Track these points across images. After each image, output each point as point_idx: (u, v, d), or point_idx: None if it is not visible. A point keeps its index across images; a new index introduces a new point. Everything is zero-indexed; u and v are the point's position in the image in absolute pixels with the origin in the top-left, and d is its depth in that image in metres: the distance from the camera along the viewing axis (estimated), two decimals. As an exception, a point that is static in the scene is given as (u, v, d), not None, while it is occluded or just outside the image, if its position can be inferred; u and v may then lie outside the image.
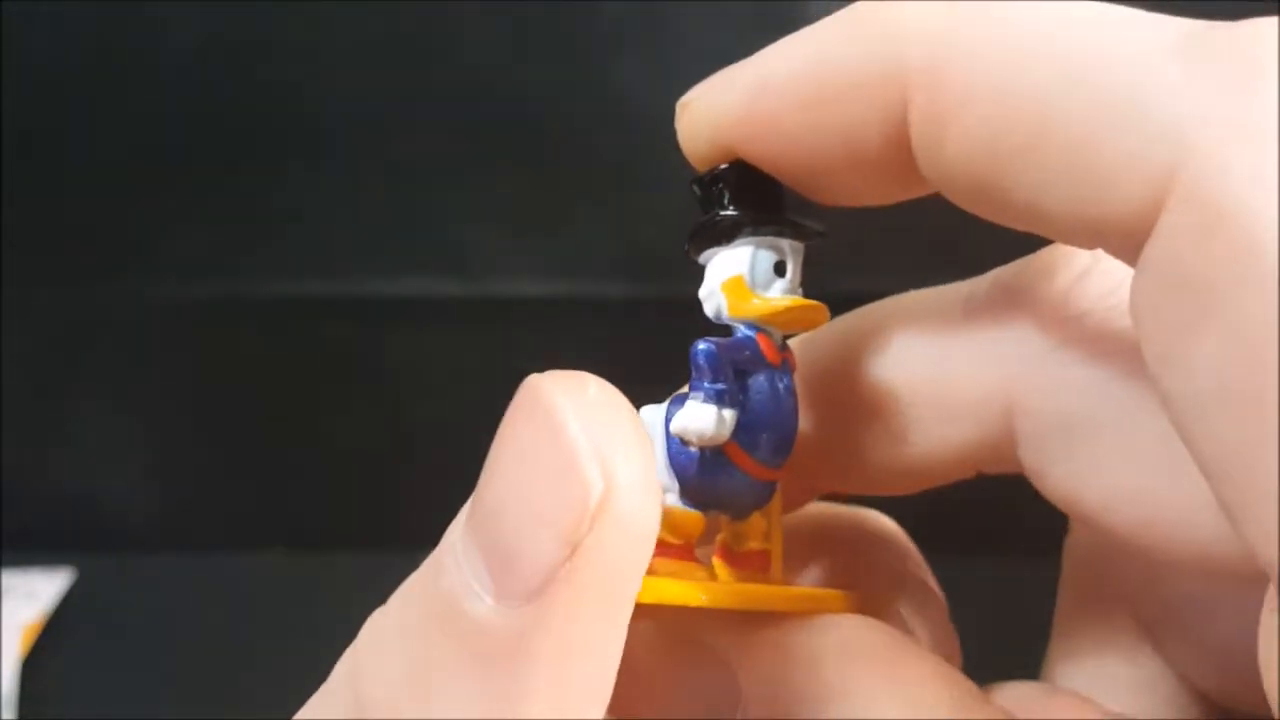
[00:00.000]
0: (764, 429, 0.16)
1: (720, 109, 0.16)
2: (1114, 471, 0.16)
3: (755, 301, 0.16)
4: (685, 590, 0.15)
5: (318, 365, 0.51)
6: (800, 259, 0.17)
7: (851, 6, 0.15)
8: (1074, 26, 0.13)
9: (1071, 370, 0.17)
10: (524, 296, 0.48)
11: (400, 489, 0.50)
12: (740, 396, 0.16)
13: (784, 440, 0.16)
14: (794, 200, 0.17)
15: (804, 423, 0.18)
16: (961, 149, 0.14)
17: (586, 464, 0.13)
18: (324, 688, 0.14)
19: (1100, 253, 0.15)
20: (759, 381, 0.16)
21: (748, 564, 0.17)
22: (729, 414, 0.16)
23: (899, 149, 0.15)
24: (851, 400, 0.19)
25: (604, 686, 0.13)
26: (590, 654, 0.12)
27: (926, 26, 0.14)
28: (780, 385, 0.16)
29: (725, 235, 0.17)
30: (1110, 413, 0.16)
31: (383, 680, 0.13)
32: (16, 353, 0.50)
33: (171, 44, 0.48)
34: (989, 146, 0.14)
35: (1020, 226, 0.15)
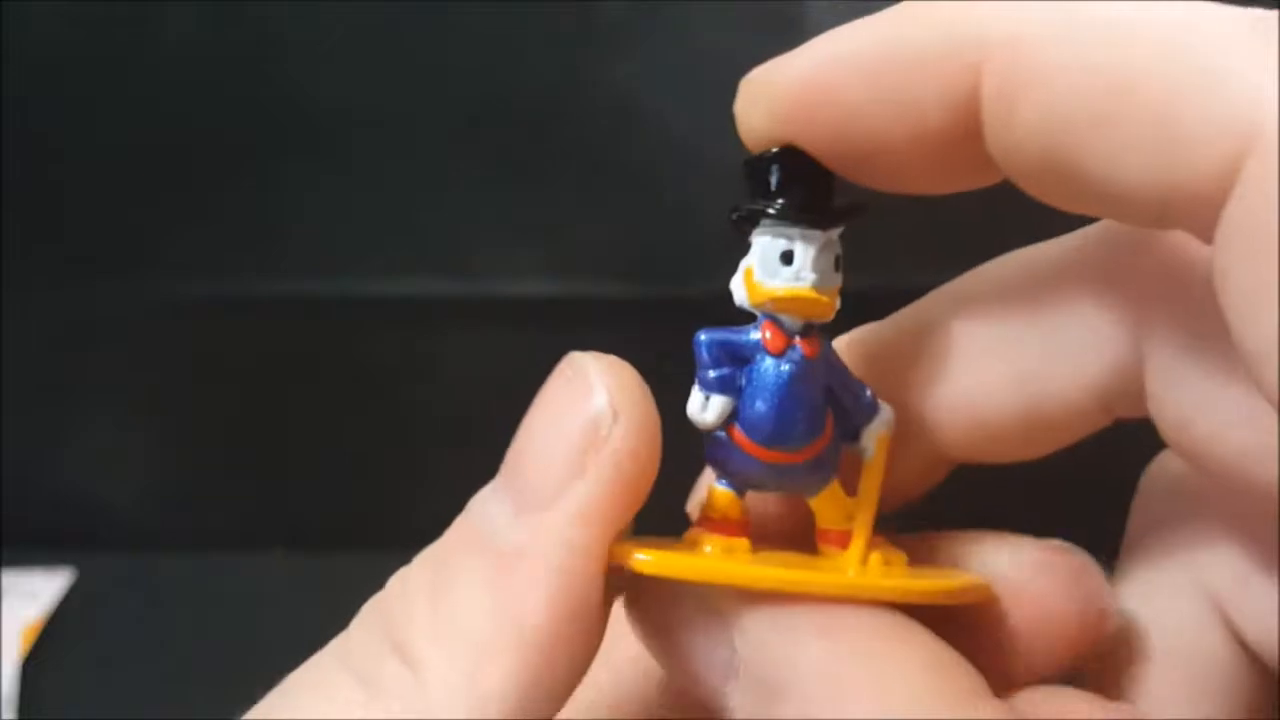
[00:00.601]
0: (759, 413, 0.17)
1: (783, 81, 0.16)
2: (1235, 395, 0.17)
3: (761, 289, 0.17)
4: (682, 562, 0.16)
5: (318, 365, 0.51)
6: (820, 247, 0.17)
7: None
8: (1150, 7, 0.14)
9: (1200, 295, 0.17)
10: (524, 296, 0.48)
11: (400, 488, 0.50)
12: (739, 383, 0.17)
13: (784, 424, 0.17)
14: (842, 189, 0.17)
15: (920, 392, 0.18)
16: (1035, 123, 0.15)
17: (600, 403, 0.16)
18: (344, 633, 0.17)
19: None
20: (758, 369, 0.17)
21: (826, 541, 0.17)
22: (717, 400, 0.17)
23: (964, 128, 0.15)
24: (969, 358, 0.19)
25: (597, 589, 0.16)
26: (590, 558, 0.15)
27: (999, 7, 0.15)
28: (782, 370, 0.17)
29: (744, 227, 0.17)
30: (1228, 343, 0.17)
31: (405, 595, 0.16)
32: (17, 353, 0.50)
33: (172, 44, 0.48)
34: (1065, 119, 0.14)
35: (1085, 208, 0.15)
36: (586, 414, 0.16)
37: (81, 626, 0.46)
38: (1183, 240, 0.17)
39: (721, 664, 0.16)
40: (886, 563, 0.17)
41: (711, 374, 0.17)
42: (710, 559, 0.17)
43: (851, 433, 0.17)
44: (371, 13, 0.47)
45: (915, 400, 0.19)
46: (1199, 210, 0.14)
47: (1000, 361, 0.18)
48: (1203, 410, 0.17)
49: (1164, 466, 0.21)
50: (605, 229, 0.48)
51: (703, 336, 0.17)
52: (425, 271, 0.49)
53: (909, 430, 0.18)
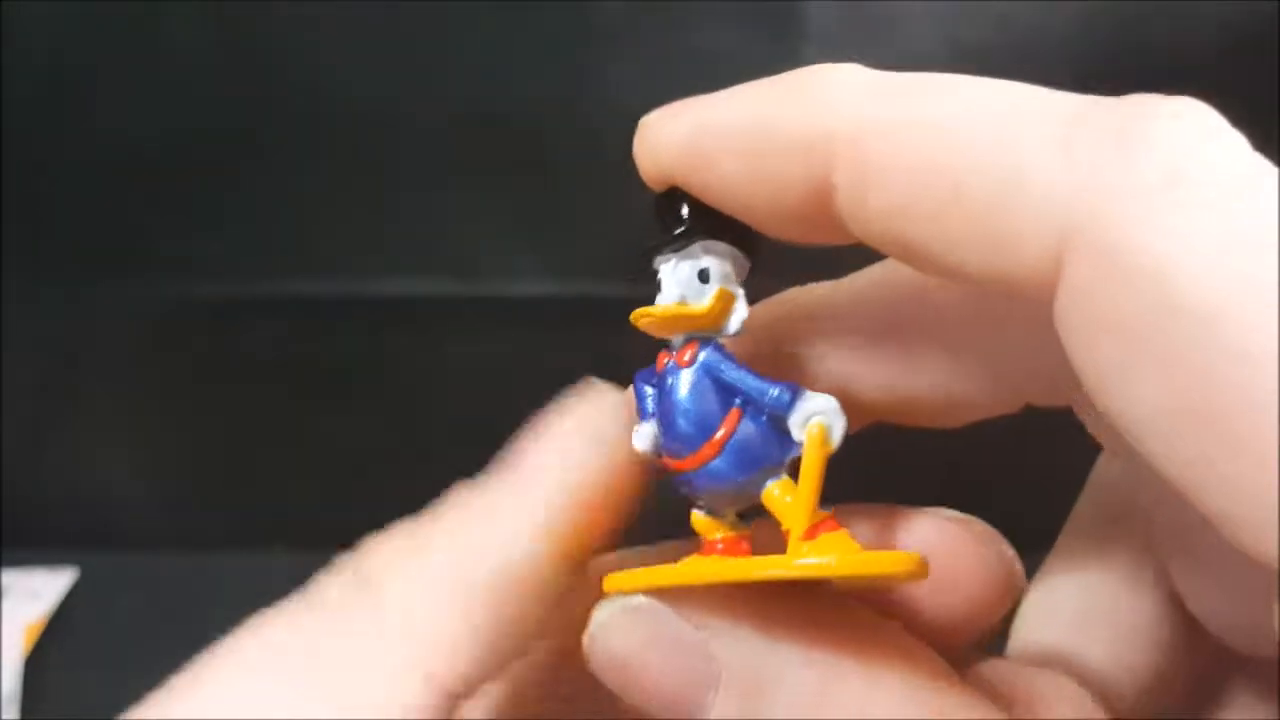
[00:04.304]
0: (665, 428, 0.18)
1: (665, 140, 0.18)
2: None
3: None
4: (668, 572, 0.17)
5: (318, 365, 0.51)
6: (674, 266, 0.18)
7: (793, 72, 0.17)
8: (975, 112, 0.15)
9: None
10: (524, 296, 0.48)
11: (401, 488, 0.50)
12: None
13: (669, 432, 0.18)
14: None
15: (851, 351, 0.19)
16: (881, 212, 0.16)
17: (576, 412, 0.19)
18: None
19: None
20: (659, 390, 0.18)
21: (728, 550, 0.18)
22: (645, 426, 0.18)
23: (821, 204, 0.17)
24: (902, 328, 0.20)
25: (546, 569, 0.17)
26: (548, 508, 0.17)
27: (852, 103, 0.16)
28: (669, 384, 0.18)
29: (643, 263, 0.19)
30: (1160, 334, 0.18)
31: (378, 541, 0.18)
32: (18, 353, 0.50)
33: (172, 46, 0.48)
34: (904, 213, 0.16)
35: (941, 278, 0.17)
36: (565, 412, 0.18)
37: (84, 625, 0.46)
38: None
39: (701, 676, 0.17)
40: (831, 546, 0.17)
41: (641, 404, 0.18)
42: (654, 570, 0.17)
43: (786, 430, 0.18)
44: (373, 14, 0.47)
45: (842, 355, 0.20)
46: (1034, 295, 0.15)
47: (929, 338, 0.19)
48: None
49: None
50: (605, 229, 0.48)
51: (637, 375, 0.19)
52: (425, 271, 0.49)
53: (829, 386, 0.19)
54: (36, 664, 0.44)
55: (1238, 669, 0.22)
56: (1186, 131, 0.14)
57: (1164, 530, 0.20)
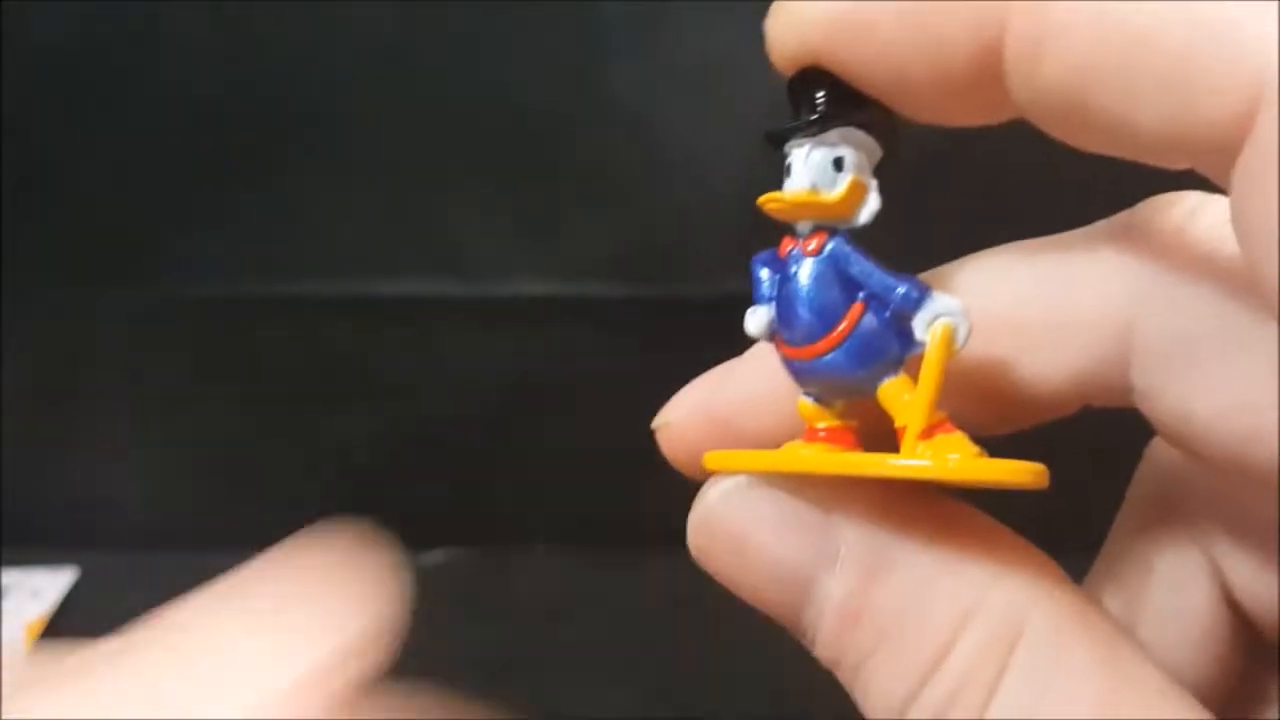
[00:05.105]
0: (782, 315, 0.18)
1: (815, 10, 0.17)
2: (1228, 383, 0.18)
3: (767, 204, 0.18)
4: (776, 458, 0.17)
5: (318, 365, 0.51)
6: (808, 152, 0.18)
7: None
8: None
9: (1190, 289, 0.18)
10: (524, 296, 0.48)
11: (400, 488, 0.50)
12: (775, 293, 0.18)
13: (790, 321, 0.18)
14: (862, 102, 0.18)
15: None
16: (1058, 69, 0.15)
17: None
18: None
19: (1205, 194, 0.16)
20: (781, 276, 0.18)
21: (832, 439, 0.18)
22: (761, 309, 0.18)
23: (988, 69, 0.16)
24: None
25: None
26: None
27: None
28: (788, 272, 0.18)
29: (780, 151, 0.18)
30: (1225, 330, 0.18)
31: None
32: (18, 353, 0.50)
33: (173, 46, 0.48)
34: (1087, 66, 0.15)
35: (1101, 148, 0.16)
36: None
37: (85, 624, 0.46)
38: (1174, 237, 0.18)
39: (818, 552, 0.17)
40: (949, 446, 0.17)
41: (756, 290, 0.18)
42: (778, 453, 0.18)
43: (908, 329, 0.18)
44: (372, 15, 0.47)
45: None
46: (1213, 156, 0.15)
47: (989, 342, 0.19)
48: (1200, 400, 0.18)
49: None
50: (605, 229, 0.48)
51: (755, 258, 0.19)
52: (425, 271, 0.49)
53: None
54: (37, 663, 0.44)
55: None
56: None
57: (1216, 523, 0.20)
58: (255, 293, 0.49)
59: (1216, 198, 0.16)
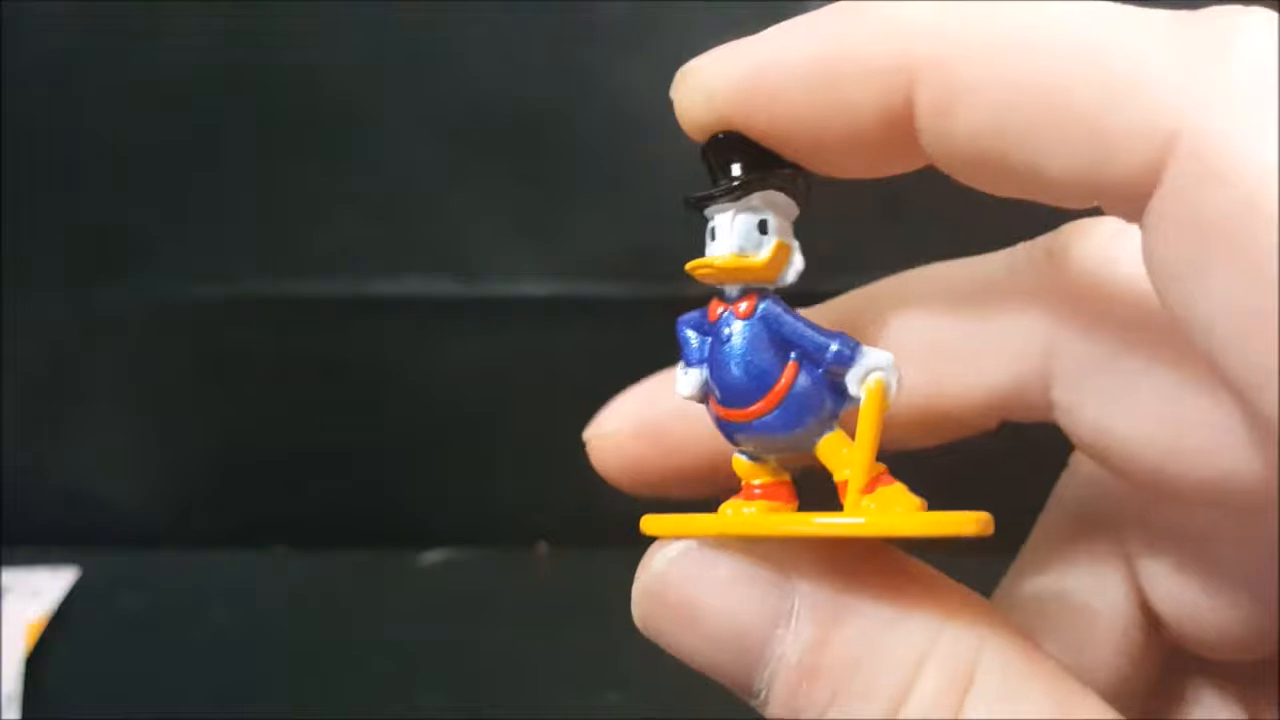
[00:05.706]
0: (716, 377, 0.18)
1: (722, 81, 0.17)
2: (1146, 402, 0.18)
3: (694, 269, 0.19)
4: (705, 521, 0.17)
5: (318, 365, 0.51)
6: (732, 217, 0.18)
7: (847, 3, 0.17)
8: (1072, 19, 0.15)
9: (1108, 312, 0.19)
10: (524, 296, 0.48)
11: (400, 488, 0.50)
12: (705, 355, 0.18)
13: (725, 383, 0.18)
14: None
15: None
16: (970, 129, 0.16)
17: None
18: None
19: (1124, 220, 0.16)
20: (714, 338, 0.18)
21: (768, 495, 0.18)
22: (693, 372, 0.18)
23: (898, 128, 0.16)
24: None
25: None
26: None
27: (933, 21, 0.16)
28: (720, 334, 0.18)
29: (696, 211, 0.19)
30: (1144, 350, 0.18)
31: None
32: (18, 353, 0.50)
33: (173, 45, 0.48)
34: (998, 126, 0.15)
35: (1015, 194, 0.16)
36: None
37: (85, 624, 0.46)
38: (1094, 260, 0.19)
39: (772, 609, 0.17)
40: (891, 499, 0.17)
41: (687, 349, 0.19)
42: (710, 518, 0.18)
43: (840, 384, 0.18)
44: (373, 14, 0.47)
45: None
46: (1125, 199, 0.15)
47: (911, 360, 0.19)
48: (1118, 418, 0.19)
49: None
50: (605, 229, 0.48)
51: (681, 320, 0.19)
52: (425, 271, 0.49)
53: None
54: (38, 663, 0.44)
55: (1198, 671, 0.22)
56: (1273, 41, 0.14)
57: (1135, 532, 0.21)
58: (255, 292, 0.49)
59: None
